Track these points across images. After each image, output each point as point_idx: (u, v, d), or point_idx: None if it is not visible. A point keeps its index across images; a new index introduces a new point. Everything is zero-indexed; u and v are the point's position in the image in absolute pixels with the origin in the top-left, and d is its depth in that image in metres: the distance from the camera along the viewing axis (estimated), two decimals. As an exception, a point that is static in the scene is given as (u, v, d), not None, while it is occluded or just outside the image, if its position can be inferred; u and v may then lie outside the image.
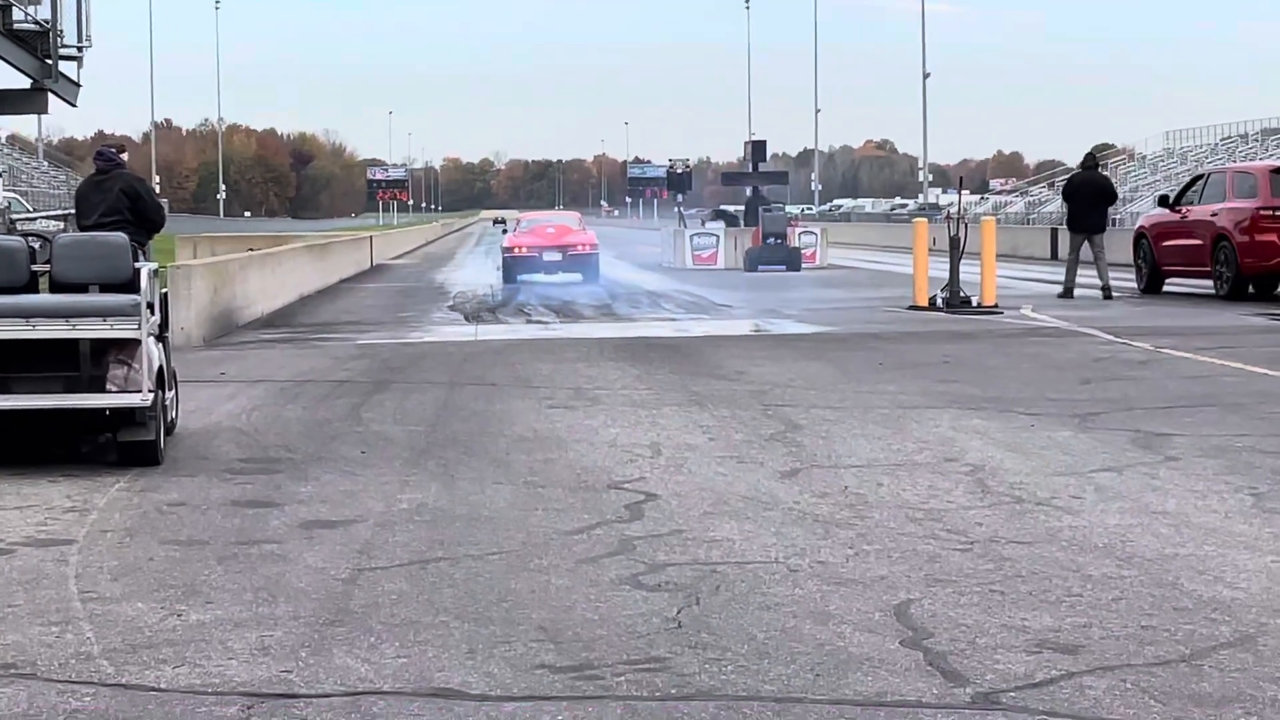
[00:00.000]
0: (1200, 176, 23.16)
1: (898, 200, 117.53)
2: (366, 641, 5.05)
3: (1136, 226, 24.55)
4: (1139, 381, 11.87)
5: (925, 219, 23.42)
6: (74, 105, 26.70)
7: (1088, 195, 22.38)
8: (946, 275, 19.95)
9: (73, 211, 13.81)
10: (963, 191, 23.50)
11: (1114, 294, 21.53)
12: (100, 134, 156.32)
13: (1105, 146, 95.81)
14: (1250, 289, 21.20)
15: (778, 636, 5.06)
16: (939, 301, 19.84)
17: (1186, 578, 5.79)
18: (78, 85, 26.54)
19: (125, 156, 12.99)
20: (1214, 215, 21.21)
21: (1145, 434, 9.17)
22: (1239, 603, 5.43)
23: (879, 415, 10.12)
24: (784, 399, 11.00)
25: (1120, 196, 52.31)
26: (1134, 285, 23.40)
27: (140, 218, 12.44)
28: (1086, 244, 22.25)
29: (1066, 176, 23.26)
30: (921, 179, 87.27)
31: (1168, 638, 5.00)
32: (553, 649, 4.95)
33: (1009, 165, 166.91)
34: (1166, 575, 5.84)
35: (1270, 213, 20.40)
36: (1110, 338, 15.41)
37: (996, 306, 19.60)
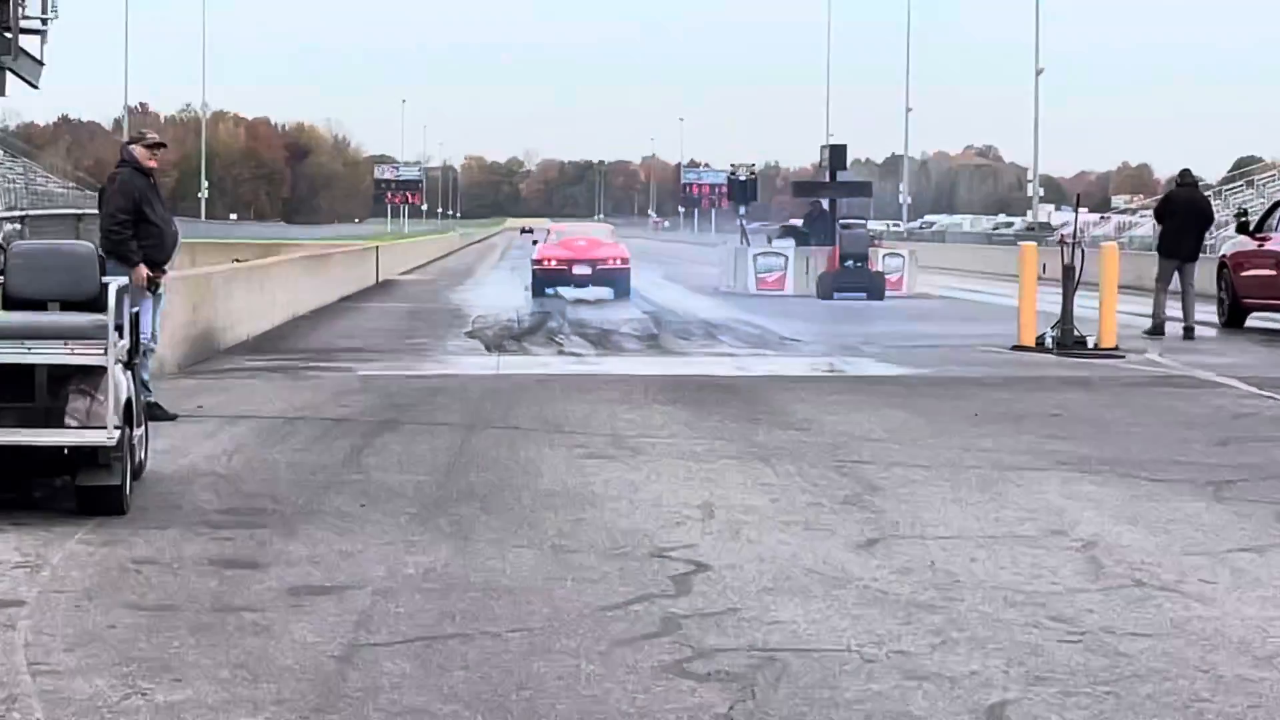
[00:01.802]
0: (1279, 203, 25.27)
1: (1002, 218, 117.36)
2: (363, 732, 5.09)
3: (1219, 255, 26.07)
4: (1285, 444, 11.85)
5: (1034, 242, 23.44)
6: (35, 86, 27.09)
7: (1185, 217, 23.22)
8: (1058, 310, 19.93)
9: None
10: (1079, 210, 23.48)
11: (1196, 334, 22.29)
12: (64, 119, 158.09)
13: (1252, 160, 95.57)
14: None
15: (848, 740, 5.08)
16: (1048, 341, 19.82)
17: (1337, 683, 5.78)
18: (40, 63, 26.90)
19: (137, 149, 12.38)
20: None
21: (1292, 508, 9.16)
22: (1400, 715, 5.41)
23: (974, 477, 10.13)
24: (861, 454, 11.03)
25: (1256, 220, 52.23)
26: (1215, 319, 24.83)
27: None
28: (1177, 272, 23.07)
29: (1162, 196, 24.03)
30: (1031, 193, 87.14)
31: (1313, 755, 5.00)
32: (582, 748, 4.99)
33: (1136, 180, 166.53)
34: (1314, 679, 5.83)
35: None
36: (1253, 390, 15.39)
37: (1117, 349, 19.58)
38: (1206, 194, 23.86)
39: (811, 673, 5.85)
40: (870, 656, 6.07)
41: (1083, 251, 20.33)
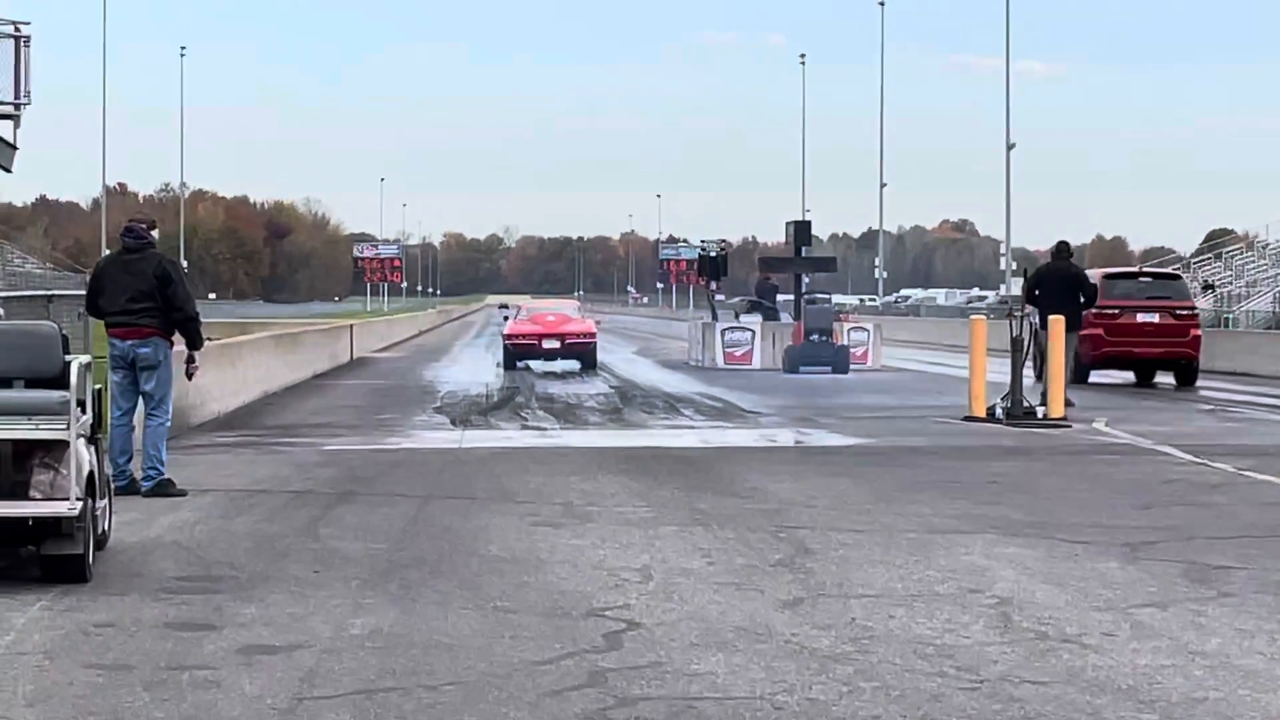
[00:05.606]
0: None
1: (975, 291, 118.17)
2: (298, 773, 5.49)
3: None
4: (1207, 507, 12.29)
5: (982, 317, 23.85)
6: (8, 170, 27.55)
7: (1055, 289, 23.25)
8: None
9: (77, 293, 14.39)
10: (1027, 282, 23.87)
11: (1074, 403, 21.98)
12: (43, 199, 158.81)
13: (1224, 232, 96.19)
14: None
15: (747, 777, 5.49)
16: (998, 412, 20.22)
17: (1211, 723, 6.20)
18: (14, 147, 27.37)
19: (156, 234, 13.41)
20: None
21: (1201, 566, 9.59)
22: (1262, 751, 5.83)
23: (905, 540, 10.55)
24: (800, 520, 11.44)
25: (1231, 292, 52.70)
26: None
27: (169, 305, 12.97)
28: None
29: (1035, 269, 24.83)
30: (1004, 266, 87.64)
31: (1175, 786, 5.41)
32: (500, 785, 5.38)
33: (1110, 253, 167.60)
34: (1189, 720, 6.25)
35: (1099, 313, 27.08)
36: (1189, 457, 15.83)
37: (1065, 419, 19.99)
38: (1050, 267, 24.23)
39: (724, 718, 6.25)
40: (780, 704, 6.47)
41: (1033, 324, 20.71)
